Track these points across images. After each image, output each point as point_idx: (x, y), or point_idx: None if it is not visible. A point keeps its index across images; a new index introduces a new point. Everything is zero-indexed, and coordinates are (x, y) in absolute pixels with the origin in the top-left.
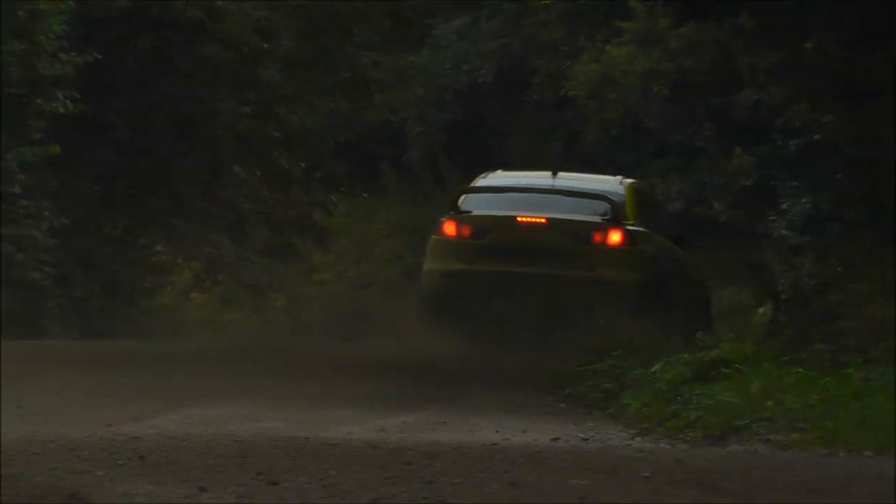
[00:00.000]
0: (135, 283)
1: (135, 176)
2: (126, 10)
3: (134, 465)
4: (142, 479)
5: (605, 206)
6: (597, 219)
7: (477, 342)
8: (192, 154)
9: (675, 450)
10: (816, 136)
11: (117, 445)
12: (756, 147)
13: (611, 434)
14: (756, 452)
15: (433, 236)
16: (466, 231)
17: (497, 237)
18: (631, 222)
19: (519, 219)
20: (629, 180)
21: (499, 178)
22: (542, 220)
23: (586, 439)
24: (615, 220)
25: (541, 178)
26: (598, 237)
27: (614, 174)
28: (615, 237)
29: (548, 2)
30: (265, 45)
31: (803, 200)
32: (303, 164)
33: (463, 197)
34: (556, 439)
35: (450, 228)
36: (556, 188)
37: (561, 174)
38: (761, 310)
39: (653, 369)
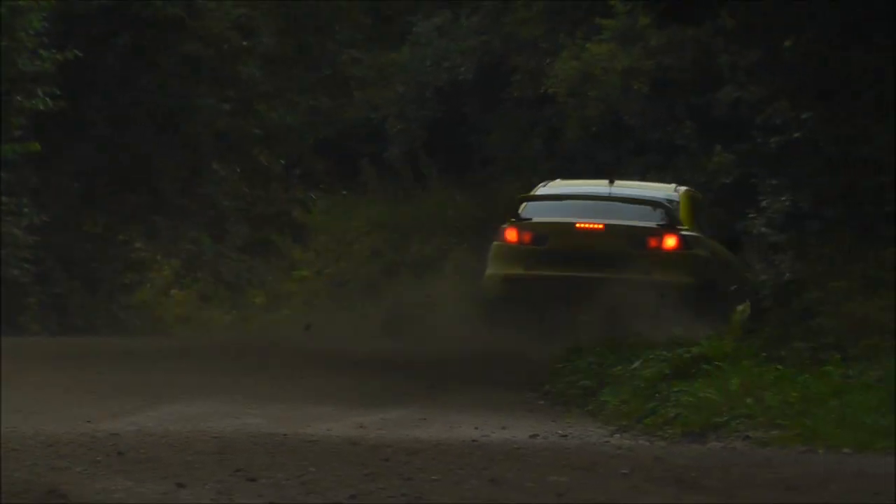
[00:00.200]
0: (114, 280)
1: (114, 173)
2: (106, 7)
3: (113, 461)
4: (120, 475)
5: (660, 212)
6: (652, 224)
7: (538, 343)
8: (172, 151)
9: (654, 447)
10: (796, 134)
11: (96, 442)
12: (736, 145)
13: (589, 431)
14: (735, 449)
15: (495, 242)
16: (527, 237)
17: (557, 243)
18: (685, 227)
19: (578, 225)
20: (683, 187)
21: (557, 186)
22: (600, 227)
23: (565, 436)
24: (670, 225)
25: (598, 185)
26: (653, 242)
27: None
28: (670, 242)
29: None
30: (245, 43)
31: (783, 198)
32: (283, 162)
33: (523, 205)
34: (534, 436)
35: (511, 235)
36: (612, 195)
37: (617, 182)
38: (741, 307)
39: (632, 366)
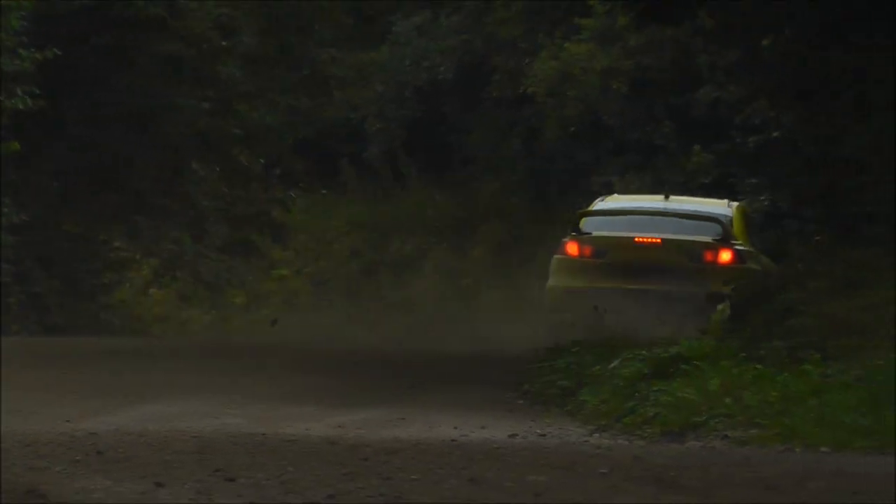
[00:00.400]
0: (94, 280)
1: (94, 172)
2: (86, 6)
3: (92, 460)
4: (99, 474)
5: (715, 227)
6: (708, 239)
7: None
8: (152, 151)
9: (633, 446)
10: (775, 134)
11: (75, 441)
12: (715, 145)
13: (568, 430)
14: (714, 449)
15: (556, 256)
16: (588, 251)
17: (616, 256)
18: (739, 242)
19: (637, 239)
20: (736, 203)
21: (615, 201)
22: (658, 241)
23: (544, 436)
24: (725, 240)
25: (654, 201)
26: (709, 256)
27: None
28: (725, 256)
29: None
30: (225, 43)
31: (762, 198)
32: (262, 161)
33: (583, 219)
34: (513, 436)
35: (572, 248)
36: (668, 211)
37: (672, 197)
38: (720, 307)
39: (611, 366)
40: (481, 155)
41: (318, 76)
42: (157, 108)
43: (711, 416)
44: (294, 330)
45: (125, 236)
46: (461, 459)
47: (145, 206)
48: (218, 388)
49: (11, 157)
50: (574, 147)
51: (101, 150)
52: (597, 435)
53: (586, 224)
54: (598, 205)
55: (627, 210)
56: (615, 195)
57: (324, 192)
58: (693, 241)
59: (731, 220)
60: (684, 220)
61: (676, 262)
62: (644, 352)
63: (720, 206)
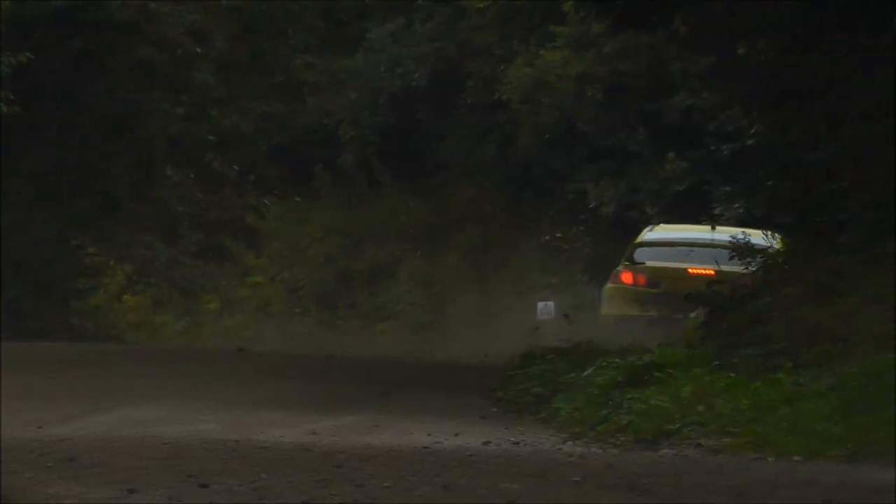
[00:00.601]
0: (67, 285)
1: (67, 177)
2: (59, 10)
3: (63, 466)
4: (71, 480)
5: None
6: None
7: None
8: (125, 156)
9: (606, 454)
10: (749, 141)
11: (47, 447)
12: (689, 152)
13: (542, 438)
14: (687, 457)
15: (610, 284)
16: (642, 280)
17: (670, 286)
18: None
19: (690, 270)
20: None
21: (662, 231)
22: (712, 272)
23: (517, 443)
24: None
25: (700, 231)
26: None
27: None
28: None
29: (482, 6)
30: (198, 48)
31: (736, 205)
32: (236, 167)
33: (636, 250)
34: (487, 443)
35: (627, 278)
36: (716, 242)
37: (719, 228)
38: (693, 314)
39: (585, 373)
40: (455, 161)
41: (291, 82)
42: (131, 113)
43: (684, 424)
44: (268, 336)
45: (98, 241)
46: (434, 466)
47: (119, 211)
48: (191, 393)
49: None
50: (548, 154)
51: (75, 155)
52: (570, 442)
53: (639, 254)
54: (647, 234)
55: (679, 241)
56: (662, 225)
57: (298, 198)
58: (744, 273)
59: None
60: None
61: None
62: (618, 360)
63: (765, 238)
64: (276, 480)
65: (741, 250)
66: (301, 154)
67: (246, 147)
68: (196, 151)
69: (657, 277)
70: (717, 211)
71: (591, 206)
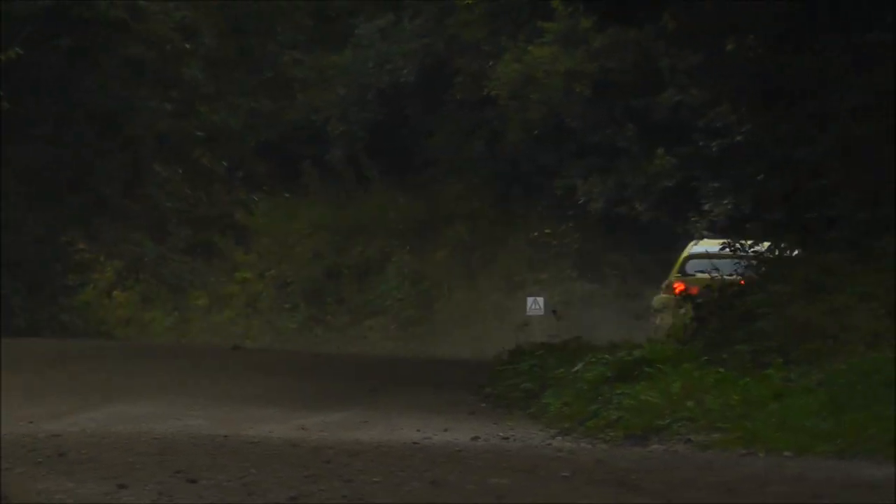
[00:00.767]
0: (57, 282)
1: (57, 175)
2: (49, 8)
3: (54, 462)
4: (62, 476)
5: None
6: None
7: None
8: (114, 153)
9: (596, 449)
10: (738, 137)
11: (38, 443)
12: (677, 148)
13: (531, 433)
14: (676, 452)
15: (663, 295)
16: (694, 291)
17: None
18: None
19: (742, 282)
20: None
21: (706, 245)
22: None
23: (506, 438)
24: None
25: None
26: None
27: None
28: None
29: (470, 2)
30: (187, 45)
31: (725, 201)
32: (225, 164)
33: (687, 262)
34: (476, 438)
35: (680, 288)
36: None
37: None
38: (682, 310)
39: (574, 369)
40: (444, 157)
41: (280, 78)
42: (120, 109)
43: (674, 420)
44: (257, 332)
45: (88, 238)
46: (423, 462)
47: (107, 207)
48: (180, 389)
49: None
50: (537, 150)
51: (65, 153)
52: (559, 438)
53: (689, 265)
54: (693, 248)
55: (725, 254)
56: (705, 238)
57: (286, 195)
58: None
59: None
60: None
61: None
62: (607, 355)
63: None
64: (264, 476)
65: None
66: (289, 150)
67: (234, 143)
68: (184, 148)
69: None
70: (706, 207)
71: (580, 202)
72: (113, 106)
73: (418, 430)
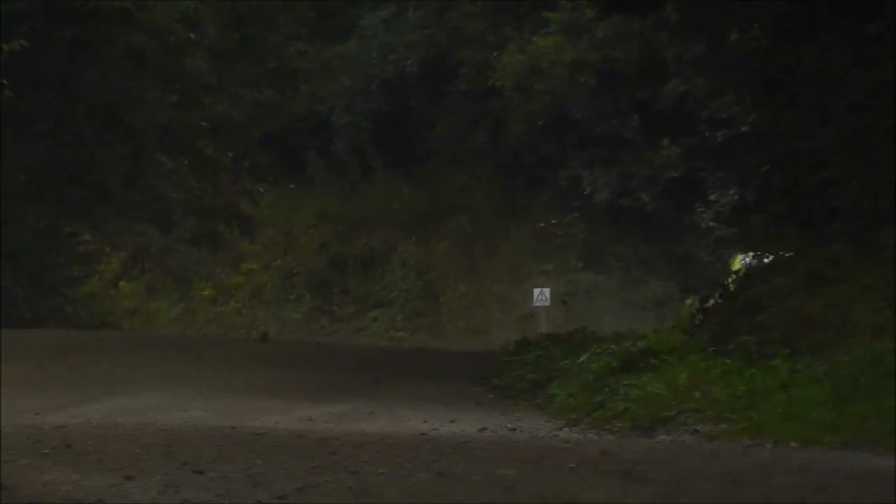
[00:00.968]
0: (61, 273)
1: (59, 165)
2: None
3: (60, 453)
4: (68, 467)
5: None
6: None
7: None
8: (117, 144)
9: (602, 440)
10: (743, 128)
11: (43, 434)
12: (682, 138)
13: (538, 424)
14: (683, 443)
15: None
16: None
17: None
18: None
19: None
20: None
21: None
22: None
23: (514, 429)
24: None
25: None
26: None
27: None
28: None
29: None
30: (191, 36)
31: (731, 192)
32: (230, 154)
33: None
34: (483, 429)
35: None
36: None
37: None
38: (688, 301)
39: (580, 360)
40: (447, 148)
41: (283, 69)
42: (122, 101)
43: (681, 411)
44: (262, 323)
45: (91, 229)
46: (430, 453)
47: (111, 199)
48: (186, 381)
49: None
50: (540, 140)
51: (66, 144)
52: (566, 429)
53: None
54: (745, 260)
55: None
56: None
57: (291, 186)
58: None
59: None
60: None
61: None
62: (612, 346)
63: None
64: (270, 467)
65: None
66: (294, 141)
67: (238, 135)
68: (189, 139)
69: None
70: (711, 198)
71: (585, 192)
72: (115, 98)
73: (425, 422)
